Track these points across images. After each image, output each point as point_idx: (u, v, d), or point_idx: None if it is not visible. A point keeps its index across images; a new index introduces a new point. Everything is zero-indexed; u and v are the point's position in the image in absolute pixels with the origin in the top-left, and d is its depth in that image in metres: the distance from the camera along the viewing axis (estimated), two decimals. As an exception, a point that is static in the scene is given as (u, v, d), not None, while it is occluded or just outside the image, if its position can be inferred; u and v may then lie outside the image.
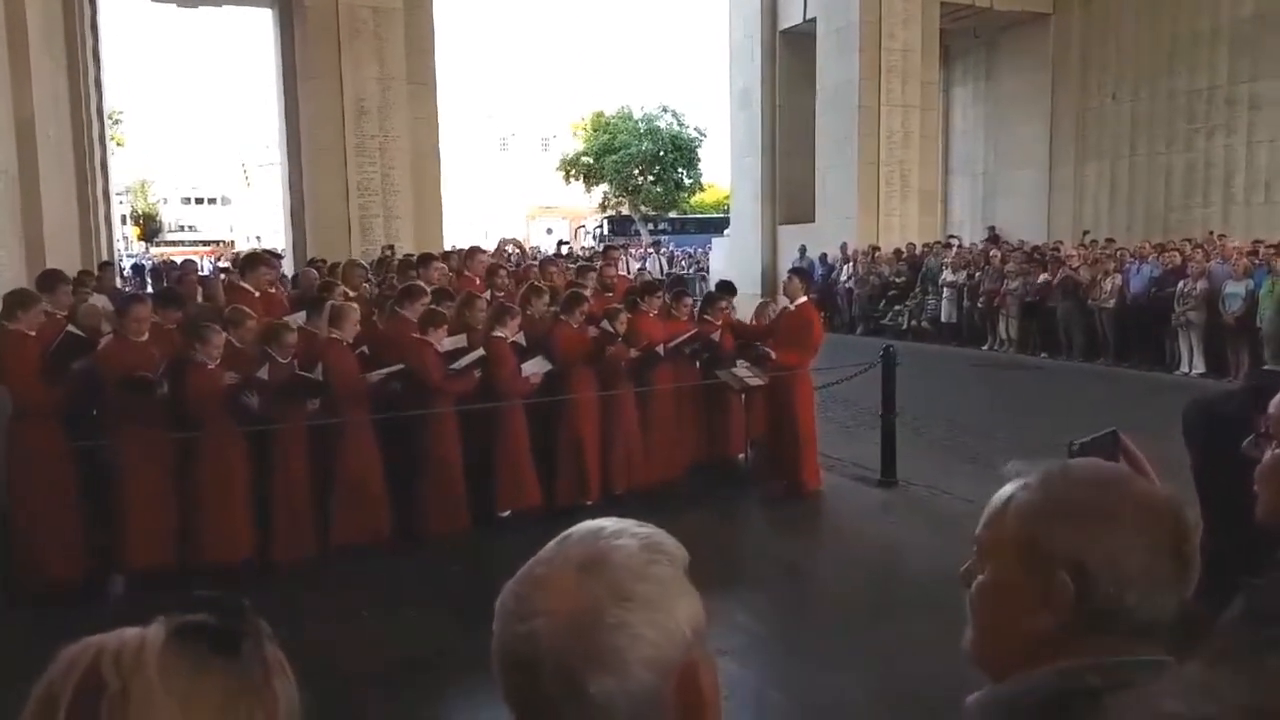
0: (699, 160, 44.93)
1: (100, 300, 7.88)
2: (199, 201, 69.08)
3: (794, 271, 8.05)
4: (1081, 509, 1.02)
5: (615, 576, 0.84)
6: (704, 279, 23.12)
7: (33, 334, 5.63)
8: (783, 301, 7.77)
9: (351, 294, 7.84)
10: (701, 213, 45.10)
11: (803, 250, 20.21)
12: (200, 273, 12.20)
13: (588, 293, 7.55)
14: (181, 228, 65.51)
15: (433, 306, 6.70)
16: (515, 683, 0.83)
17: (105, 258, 14.97)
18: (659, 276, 18.79)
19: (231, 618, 0.73)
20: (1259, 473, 1.47)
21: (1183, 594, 1.02)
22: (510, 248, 17.45)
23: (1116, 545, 0.99)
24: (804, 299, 7.51)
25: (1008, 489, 1.08)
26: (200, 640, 0.71)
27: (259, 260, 8.01)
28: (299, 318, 6.76)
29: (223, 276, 9.42)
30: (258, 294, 7.43)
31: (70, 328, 5.85)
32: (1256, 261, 12.52)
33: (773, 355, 7.34)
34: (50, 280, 6.66)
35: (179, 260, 14.69)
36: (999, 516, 1.07)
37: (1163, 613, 1.00)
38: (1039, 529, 1.02)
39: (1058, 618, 1.00)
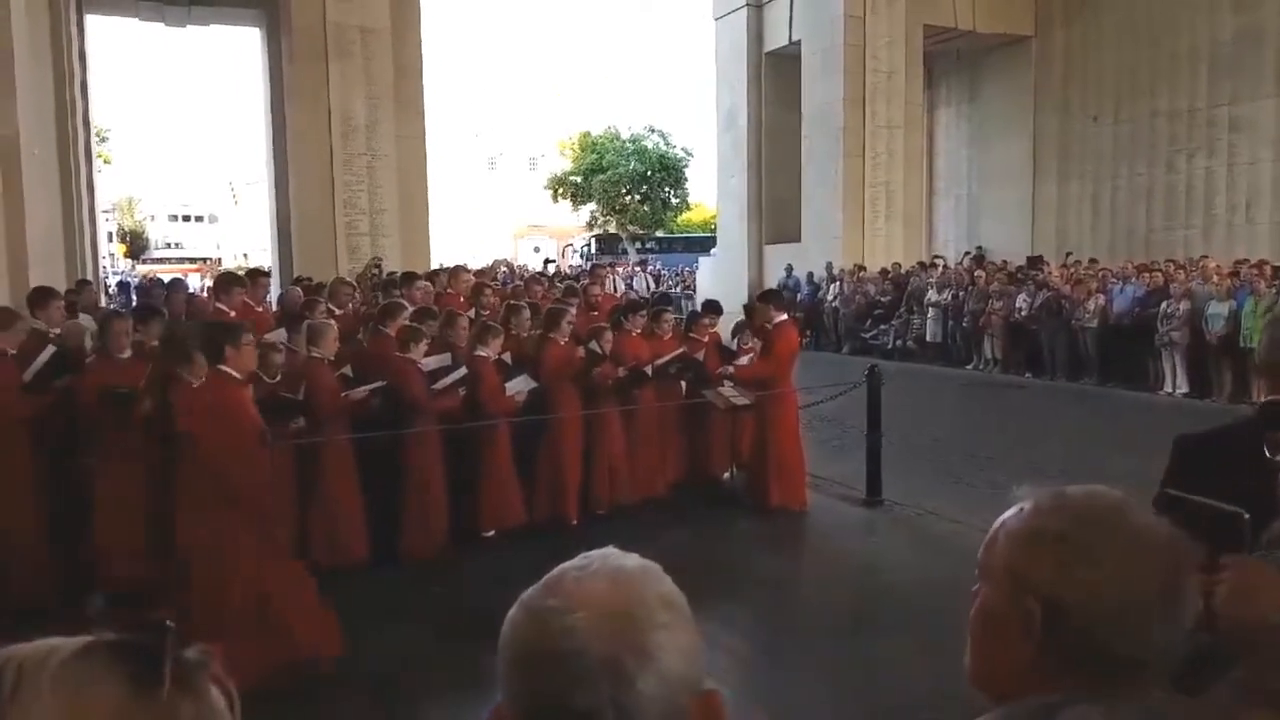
0: (686, 180, 45.14)
1: (86, 319, 7.83)
2: (186, 219, 68.84)
3: (761, 298, 7.92)
4: (1059, 539, 0.99)
5: (657, 588, 0.87)
6: (691, 298, 23.14)
7: (13, 352, 5.61)
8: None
9: (338, 312, 7.82)
10: (688, 232, 45.16)
11: (789, 269, 20.31)
12: (190, 290, 12.14)
13: (572, 310, 7.55)
14: (169, 245, 65.27)
15: (412, 324, 6.68)
16: (543, 683, 0.81)
17: (89, 275, 14.88)
18: (645, 295, 18.84)
19: (151, 639, 0.70)
20: None
21: (1176, 629, 0.99)
22: (502, 268, 17.53)
23: (1092, 579, 0.97)
24: (783, 317, 7.50)
25: (1008, 513, 1.07)
26: (118, 658, 0.68)
27: (234, 281, 7.93)
28: (280, 334, 6.73)
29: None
30: (233, 314, 7.35)
31: (52, 346, 5.80)
32: (1239, 282, 12.63)
33: (730, 368, 7.51)
34: (43, 296, 6.64)
35: (166, 279, 14.63)
36: (993, 540, 1.06)
37: (1147, 649, 0.97)
38: (1018, 556, 1.01)
39: (1035, 647, 0.98)
